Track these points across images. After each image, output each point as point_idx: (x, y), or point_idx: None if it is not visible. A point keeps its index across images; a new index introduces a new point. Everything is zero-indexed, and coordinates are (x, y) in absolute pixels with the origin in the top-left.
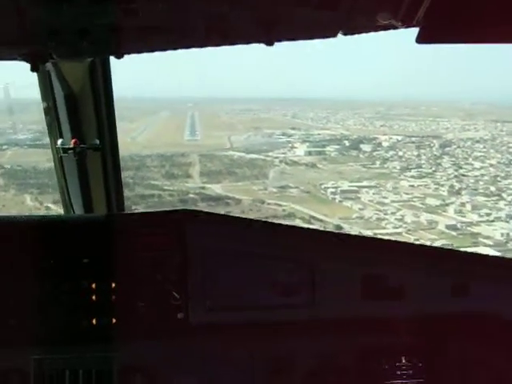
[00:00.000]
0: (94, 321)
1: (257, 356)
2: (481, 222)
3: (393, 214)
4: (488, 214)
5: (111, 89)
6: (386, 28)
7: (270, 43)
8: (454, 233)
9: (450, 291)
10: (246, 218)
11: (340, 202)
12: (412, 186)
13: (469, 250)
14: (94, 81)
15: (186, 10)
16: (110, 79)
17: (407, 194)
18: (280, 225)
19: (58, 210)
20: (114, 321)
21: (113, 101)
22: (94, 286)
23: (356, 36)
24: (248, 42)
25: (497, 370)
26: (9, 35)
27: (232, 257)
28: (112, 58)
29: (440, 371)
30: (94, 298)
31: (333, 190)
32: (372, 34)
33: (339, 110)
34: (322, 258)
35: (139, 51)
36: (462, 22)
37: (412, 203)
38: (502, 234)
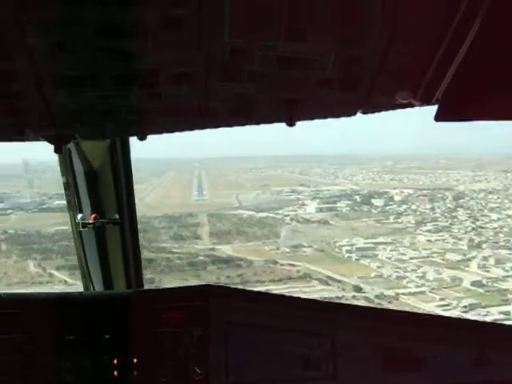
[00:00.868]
0: None
1: None
2: (507, 276)
3: (413, 271)
4: None
5: (130, 165)
6: (404, 106)
7: (291, 123)
8: (480, 290)
9: (469, 361)
10: (266, 293)
11: (357, 260)
12: (429, 240)
13: (500, 308)
14: (113, 158)
15: (209, 92)
16: (129, 156)
17: (426, 249)
18: (298, 298)
19: (60, 276)
20: None
21: (131, 177)
22: (115, 361)
23: None
24: (270, 122)
25: None
26: (34, 118)
27: (253, 331)
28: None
29: None
30: (115, 373)
31: (348, 247)
32: None
33: (346, 166)
34: (341, 331)
35: (161, 132)
36: (479, 101)
37: (432, 259)
38: None
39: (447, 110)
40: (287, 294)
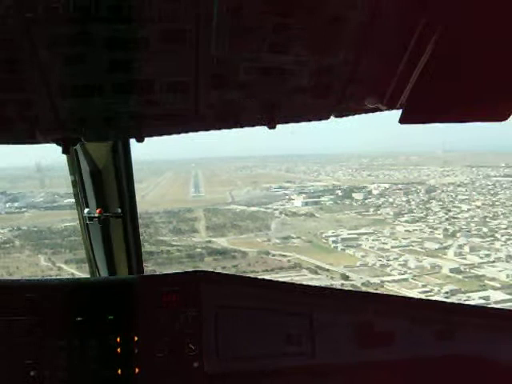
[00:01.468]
0: (119, 371)
1: None
2: (482, 263)
3: (395, 259)
4: (487, 255)
5: (131, 165)
6: (372, 111)
7: (272, 126)
8: (459, 276)
9: (434, 337)
10: (252, 278)
11: (342, 250)
12: (408, 230)
13: (479, 294)
14: (115, 158)
15: (200, 99)
16: (129, 157)
17: (405, 238)
18: (283, 283)
19: (69, 269)
20: (136, 371)
21: (132, 174)
22: (118, 339)
23: None
24: (253, 126)
25: None
26: (43, 123)
27: (241, 312)
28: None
29: None
30: (118, 350)
31: (334, 238)
32: None
33: (327, 164)
34: (319, 311)
35: (158, 134)
36: (439, 104)
37: (412, 248)
38: (508, 276)
39: (411, 114)
40: (273, 279)
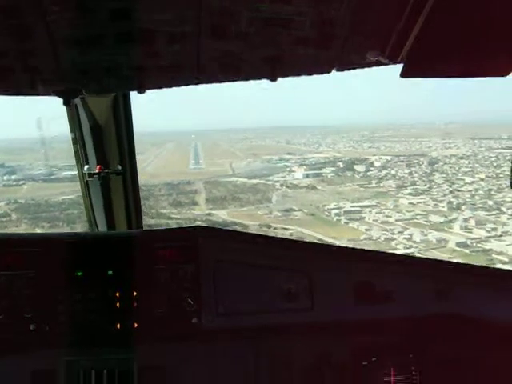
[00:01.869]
0: (117, 325)
1: (261, 354)
2: (489, 237)
3: (400, 233)
4: (494, 229)
5: (131, 121)
6: (374, 64)
7: (274, 79)
8: (466, 250)
9: (432, 295)
10: (251, 233)
11: (346, 223)
12: (411, 203)
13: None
14: (116, 114)
15: (201, 50)
16: (130, 112)
17: (409, 211)
18: (282, 239)
19: None
20: (135, 325)
21: (133, 131)
22: (117, 294)
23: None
24: (256, 78)
25: (479, 366)
26: (45, 73)
27: (240, 267)
28: (132, 94)
29: (426, 367)
30: (117, 305)
31: (336, 211)
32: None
33: (328, 135)
34: (317, 268)
35: (159, 87)
36: (440, 59)
37: (416, 221)
38: None
39: (412, 68)
40: (272, 235)
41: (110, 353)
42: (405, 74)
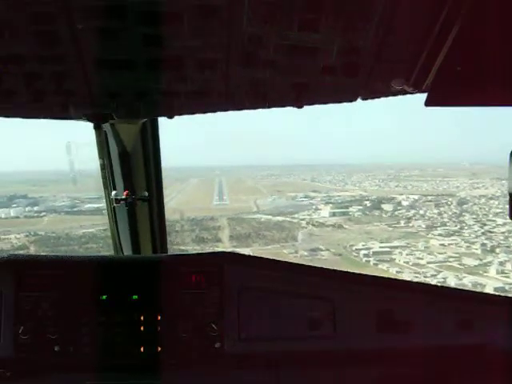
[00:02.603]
0: (141, 349)
1: (283, 380)
2: None
3: (433, 276)
4: None
5: (159, 147)
6: (399, 93)
7: (300, 106)
8: None
9: (454, 326)
10: (276, 260)
11: (375, 264)
12: (443, 244)
13: None
14: (144, 140)
15: (229, 77)
16: (158, 139)
17: (441, 253)
18: (305, 265)
19: None
20: (159, 349)
21: (160, 158)
22: (142, 318)
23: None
24: (282, 106)
25: None
26: (76, 98)
27: (264, 294)
28: (160, 121)
29: None
30: (142, 329)
31: (365, 251)
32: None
33: (353, 173)
34: (341, 295)
35: (188, 113)
36: (466, 87)
37: (449, 264)
38: None
39: (437, 96)
40: (296, 262)
41: (133, 378)
42: (429, 102)
